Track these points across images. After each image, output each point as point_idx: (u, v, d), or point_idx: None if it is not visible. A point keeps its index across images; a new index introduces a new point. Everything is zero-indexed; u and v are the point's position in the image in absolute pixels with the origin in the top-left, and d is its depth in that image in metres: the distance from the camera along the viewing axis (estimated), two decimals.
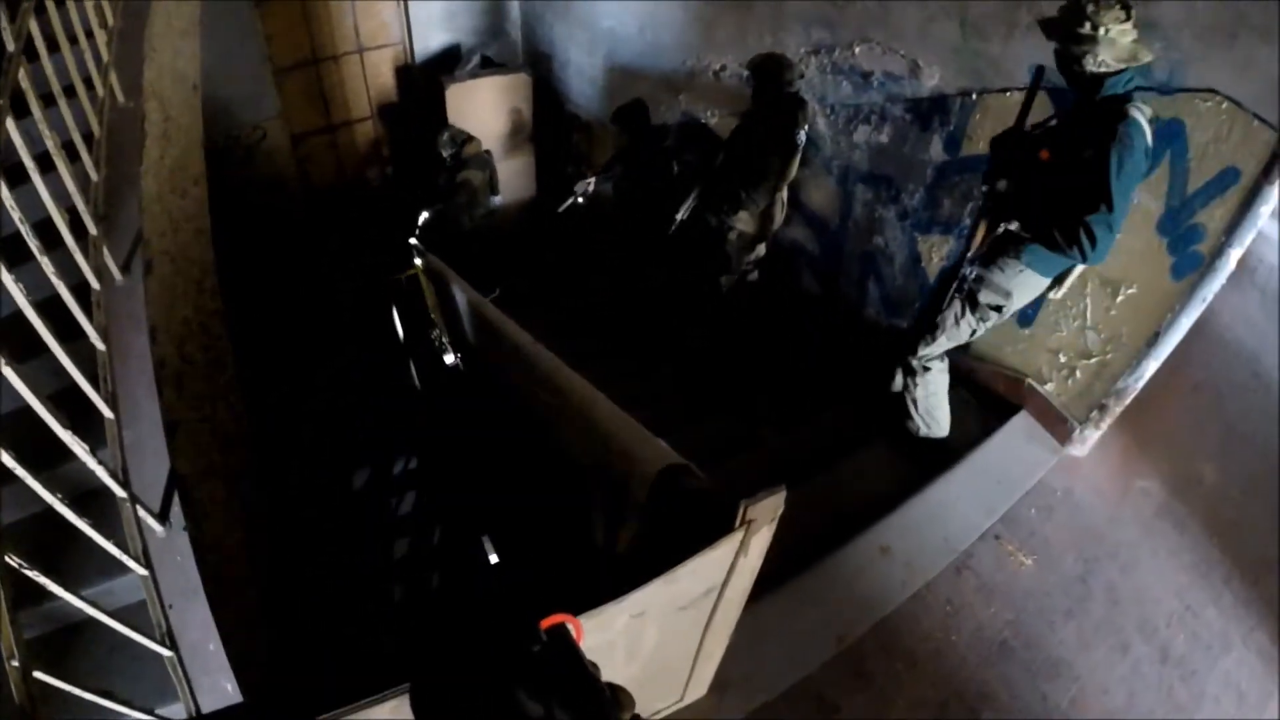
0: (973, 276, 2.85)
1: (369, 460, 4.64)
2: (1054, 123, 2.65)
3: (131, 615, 2.11)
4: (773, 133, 3.80)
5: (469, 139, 5.43)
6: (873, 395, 3.46)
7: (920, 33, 3.28)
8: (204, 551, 2.20)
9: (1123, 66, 2.36)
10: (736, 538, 1.45)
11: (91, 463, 1.89)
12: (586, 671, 0.67)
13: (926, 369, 3.15)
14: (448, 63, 6.18)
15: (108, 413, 2.09)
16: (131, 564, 1.96)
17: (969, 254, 2.88)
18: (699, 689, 2.35)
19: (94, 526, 2.09)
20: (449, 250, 4.52)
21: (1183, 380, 3.11)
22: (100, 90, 2.49)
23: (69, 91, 2.33)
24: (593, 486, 2.16)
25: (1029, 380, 3.28)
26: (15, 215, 1.83)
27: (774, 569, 2.63)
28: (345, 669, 2.90)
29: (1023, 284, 2.77)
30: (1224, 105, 2.44)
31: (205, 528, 2.30)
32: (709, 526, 1.45)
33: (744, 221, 4.07)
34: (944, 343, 3.06)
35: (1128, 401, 3.04)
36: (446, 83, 5.57)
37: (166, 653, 2.00)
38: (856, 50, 3.60)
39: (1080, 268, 2.70)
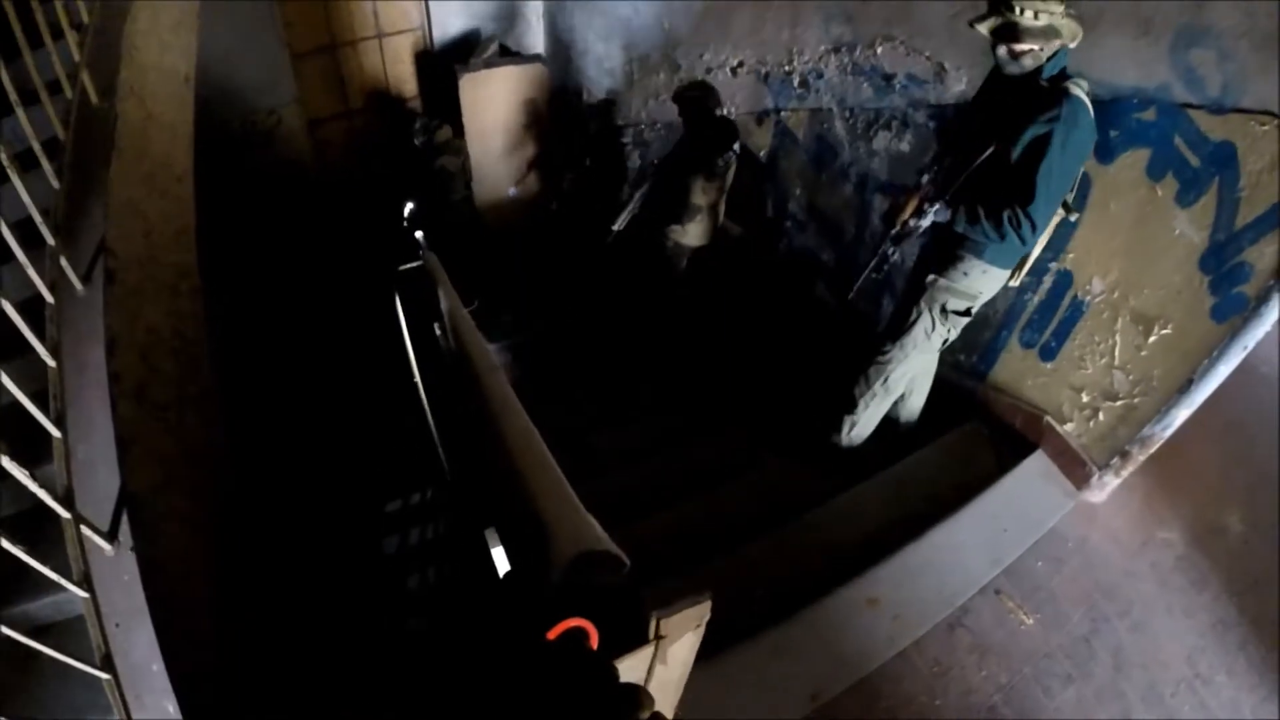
0: (935, 285, 2.80)
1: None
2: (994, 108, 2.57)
3: (84, 626, 2.12)
4: (697, 156, 4.00)
5: (440, 125, 5.47)
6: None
7: (947, 32, 3.01)
8: (154, 570, 2.17)
9: (1061, 46, 2.38)
10: (645, 653, 1.32)
11: (31, 485, 1.86)
12: (606, 672, 0.68)
13: (887, 390, 3.09)
14: (467, 49, 6.04)
15: (55, 432, 2.06)
16: (71, 588, 1.94)
17: (892, 232, 2.79)
18: None
19: (44, 539, 2.09)
20: (440, 245, 4.45)
21: (1213, 418, 2.82)
22: (69, 92, 2.43)
23: (32, 97, 2.28)
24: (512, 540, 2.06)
25: (1048, 418, 3.03)
26: None
27: (749, 616, 2.53)
28: (320, 689, 2.88)
29: (989, 280, 2.75)
30: None
31: (160, 544, 2.27)
32: (620, 632, 1.31)
33: (676, 233, 4.28)
34: (914, 357, 2.99)
35: (1153, 449, 2.79)
36: (460, 72, 5.44)
37: (104, 676, 1.98)
38: (879, 49, 3.34)
39: (1035, 253, 2.71)
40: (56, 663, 1.88)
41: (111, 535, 2.13)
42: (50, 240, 2.23)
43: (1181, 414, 2.67)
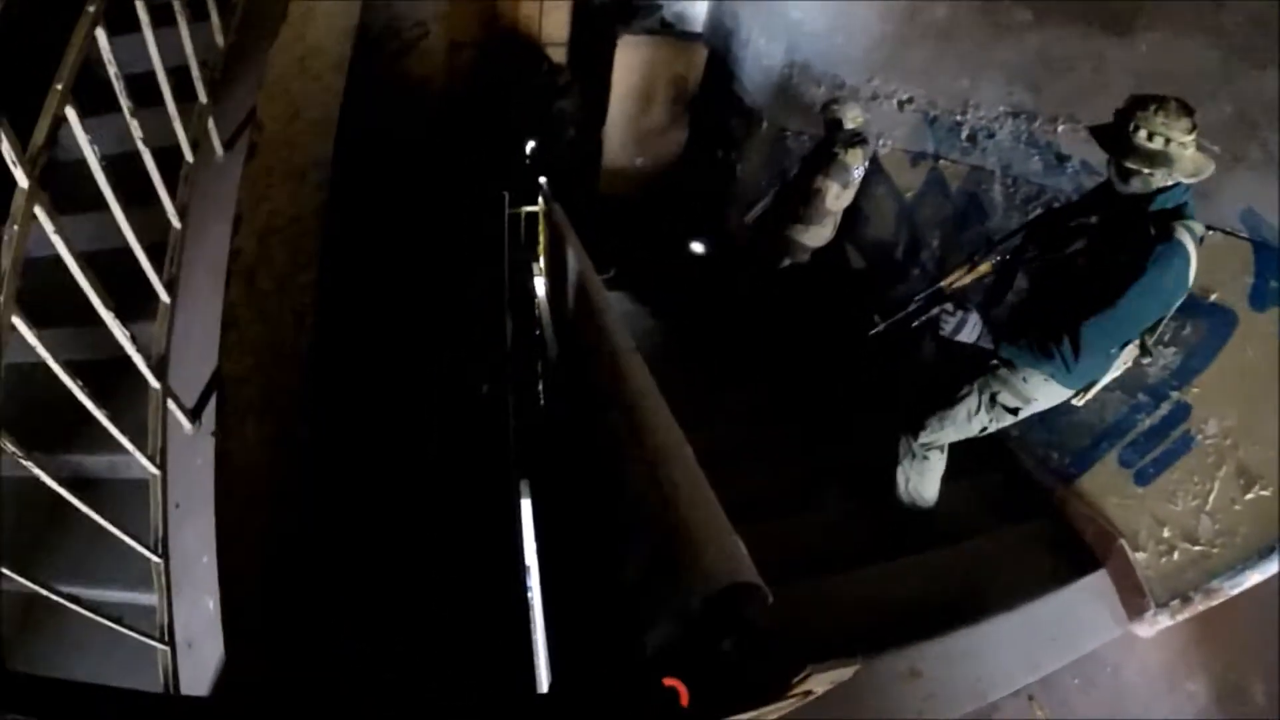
0: (995, 372, 2.67)
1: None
2: (1093, 220, 2.43)
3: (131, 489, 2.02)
4: (831, 161, 4.17)
5: (562, 68, 5.35)
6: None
7: None
8: (225, 460, 2.09)
9: (1180, 181, 2.19)
10: (788, 703, 1.25)
11: (129, 347, 1.77)
12: None
13: (925, 457, 2.95)
14: (628, 13, 5.90)
15: (165, 296, 1.96)
16: (145, 462, 1.85)
17: (941, 284, 2.72)
18: None
19: (121, 394, 2.00)
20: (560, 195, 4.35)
21: (1267, 582, 2.80)
22: None
23: None
24: (631, 553, 1.98)
25: (1122, 540, 2.97)
26: (111, 70, 1.69)
27: (785, 666, 2.47)
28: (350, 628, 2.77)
29: (1046, 392, 2.60)
30: None
31: (235, 436, 2.19)
32: (758, 676, 1.25)
33: (798, 231, 4.46)
34: (950, 434, 2.86)
35: (1215, 603, 2.74)
36: (620, 32, 5.31)
37: (155, 559, 1.90)
38: (1059, 128, 3.23)
39: (1104, 380, 2.54)
40: (87, 522, 1.76)
41: (195, 415, 2.04)
42: (203, 97, 2.12)
43: (1254, 577, 2.62)
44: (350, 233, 3.32)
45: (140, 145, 1.83)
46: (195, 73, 2.10)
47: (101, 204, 1.68)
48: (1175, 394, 2.80)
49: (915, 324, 2.73)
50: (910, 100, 4.28)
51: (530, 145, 5.39)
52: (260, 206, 2.34)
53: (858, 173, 4.18)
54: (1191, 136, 2.13)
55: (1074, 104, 3.18)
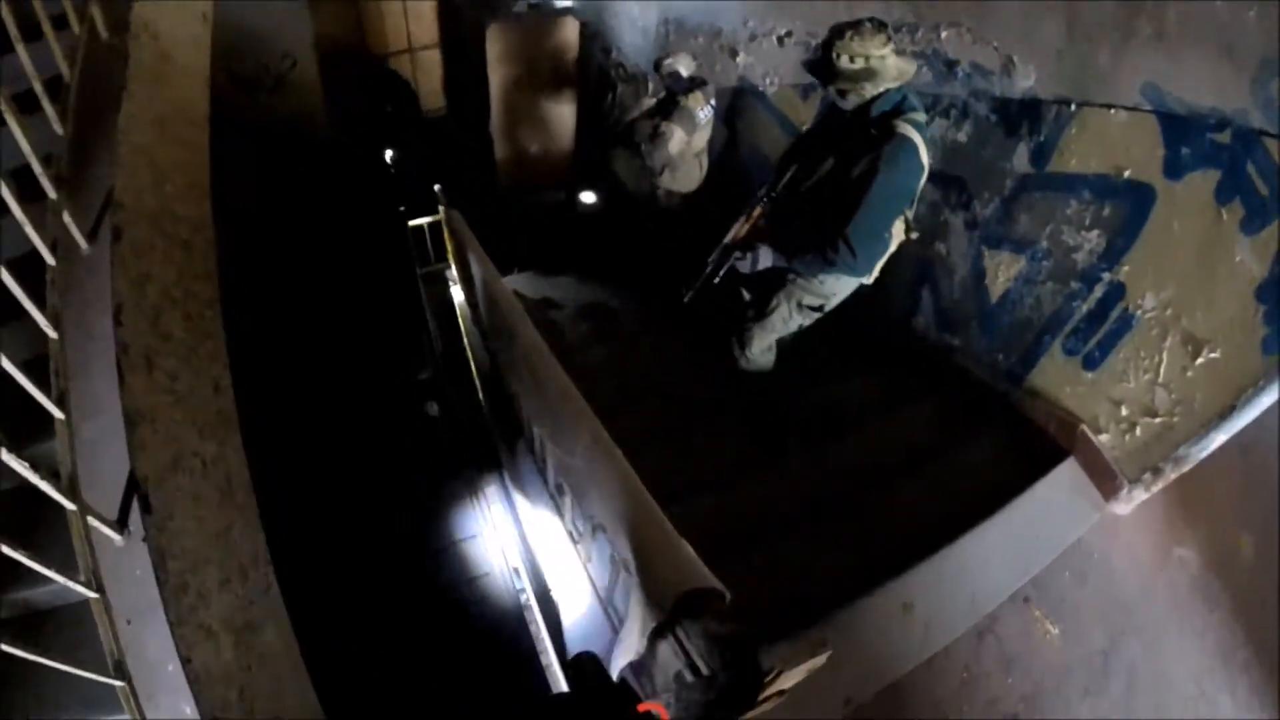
0: (794, 283, 2.98)
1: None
2: (832, 139, 2.73)
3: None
4: (671, 108, 4.37)
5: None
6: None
7: (1020, 25, 2.86)
8: (167, 559, 2.01)
9: (889, 87, 2.51)
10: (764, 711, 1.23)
11: (32, 477, 1.68)
12: None
13: (756, 358, 3.28)
14: (489, 3, 5.65)
15: (57, 413, 1.86)
16: (78, 588, 1.77)
17: (726, 240, 3.02)
18: None
19: (45, 521, 1.91)
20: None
21: (1234, 438, 2.85)
22: (76, 28, 2.15)
23: (35, 32, 2.02)
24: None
25: (1083, 426, 3.00)
26: None
27: (783, 615, 2.47)
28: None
29: (841, 286, 2.94)
30: None
31: (170, 528, 2.10)
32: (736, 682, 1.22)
33: (666, 181, 4.61)
34: (772, 337, 3.21)
35: (1185, 469, 2.78)
36: (488, 21, 5.11)
37: (117, 683, 1.83)
38: (943, 34, 3.16)
39: (890, 250, 2.81)
40: (64, 651, 1.72)
41: (121, 524, 1.96)
42: (52, 193, 1.98)
43: (1219, 438, 2.65)
44: (257, 285, 3.21)
45: None
46: (38, 169, 1.96)
47: None
48: (1107, 275, 2.80)
49: (717, 280, 3.06)
50: (789, 34, 4.19)
51: (390, 155, 5.23)
52: (145, 288, 2.21)
53: (703, 114, 4.35)
54: (888, 48, 2.46)
55: (954, 9, 3.12)
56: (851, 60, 2.45)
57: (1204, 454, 2.71)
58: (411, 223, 4.53)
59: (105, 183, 2.13)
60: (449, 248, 4.27)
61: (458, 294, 4.41)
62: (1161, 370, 2.71)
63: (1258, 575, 3.06)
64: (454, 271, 4.38)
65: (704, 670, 1.24)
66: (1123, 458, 2.91)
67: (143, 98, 2.36)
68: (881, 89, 2.50)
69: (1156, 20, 2.42)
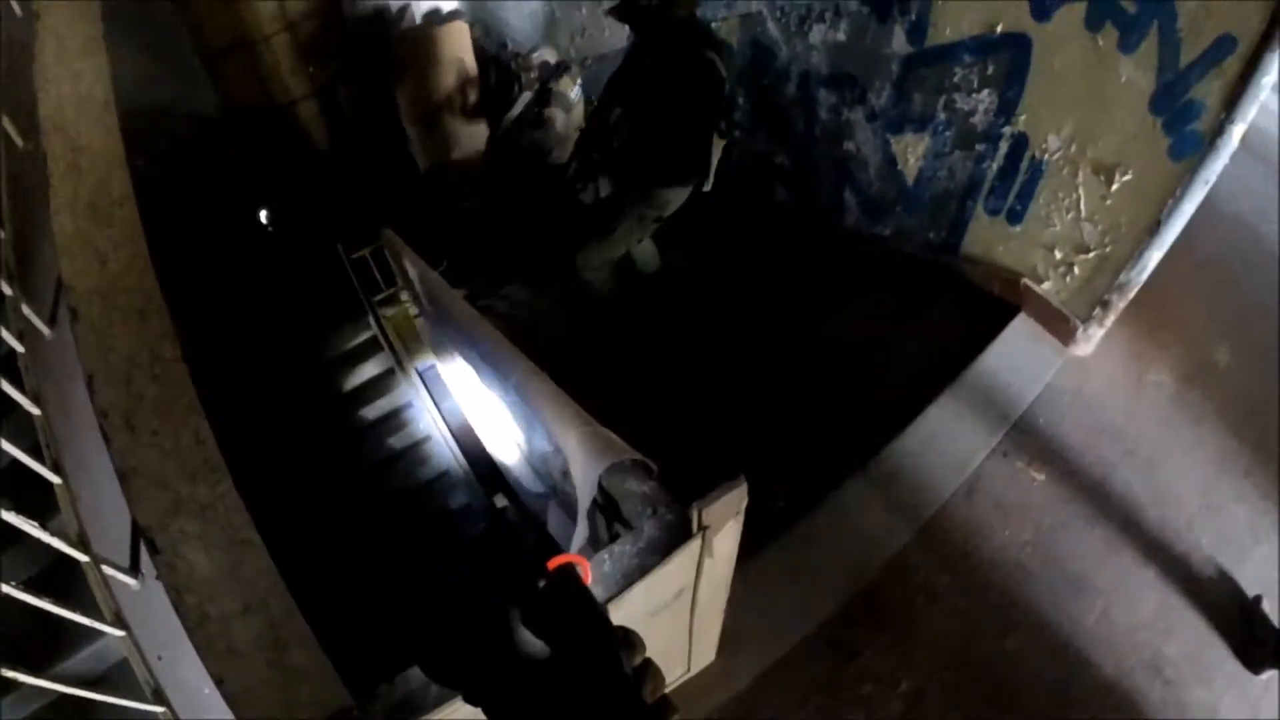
0: (637, 201, 3.43)
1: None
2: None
3: (125, 670, 2.12)
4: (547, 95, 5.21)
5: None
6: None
7: None
8: (183, 593, 2.17)
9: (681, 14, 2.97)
10: (693, 547, 1.34)
11: (44, 536, 1.84)
12: (594, 609, 0.64)
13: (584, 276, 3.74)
14: (384, 24, 5.80)
15: (54, 479, 2.03)
16: (107, 629, 1.94)
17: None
18: (705, 656, 2.29)
19: (70, 590, 2.08)
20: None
21: (1186, 260, 2.88)
22: None
23: None
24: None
25: (1025, 280, 3.08)
26: None
27: (772, 515, 2.58)
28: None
29: (675, 195, 3.37)
30: None
31: (179, 567, 2.26)
32: (663, 533, 1.34)
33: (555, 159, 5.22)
34: (617, 252, 3.69)
35: (1132, 295, 2.84)
36: (383, 43, 5.29)
37: (159, 709, 1.99)
38: None
39: (714, 161, 3.29)
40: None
41: (134, 569, 2.12)
42: (8, 290, 2.16)
43: (1155, 256, 2.71)
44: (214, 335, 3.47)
45: None
46: None
47: None
48: (1007, 129, 2.89)
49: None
50: None
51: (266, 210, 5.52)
52: (109, 358, 2.39)
53: (574, 94, 5.11)
54: None
55: None
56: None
57: (1144, 275, 2.78)
58: (354, 255, 4.73)
59: (52, 272, 2.31)
60: (395, 268, 4.43)
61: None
62: (1082, 205, 2.79)
63: (1239, 383, 3.11)
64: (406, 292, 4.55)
65: (631, 525, 1.36)
66: (1069, 299, 2.99)
67: (66, 190, 2.54)
68: (672, 15, 2.95)
69: None
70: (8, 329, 2.14)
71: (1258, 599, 2.51)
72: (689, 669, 2.27)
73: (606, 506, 1.47)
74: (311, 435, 4.61)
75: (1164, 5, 2.30)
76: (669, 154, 3.07)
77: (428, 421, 4.68)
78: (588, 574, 0.68)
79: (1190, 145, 2.40)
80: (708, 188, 3.36)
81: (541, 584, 0.65)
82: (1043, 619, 2.50)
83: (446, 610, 0.65)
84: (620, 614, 1.43)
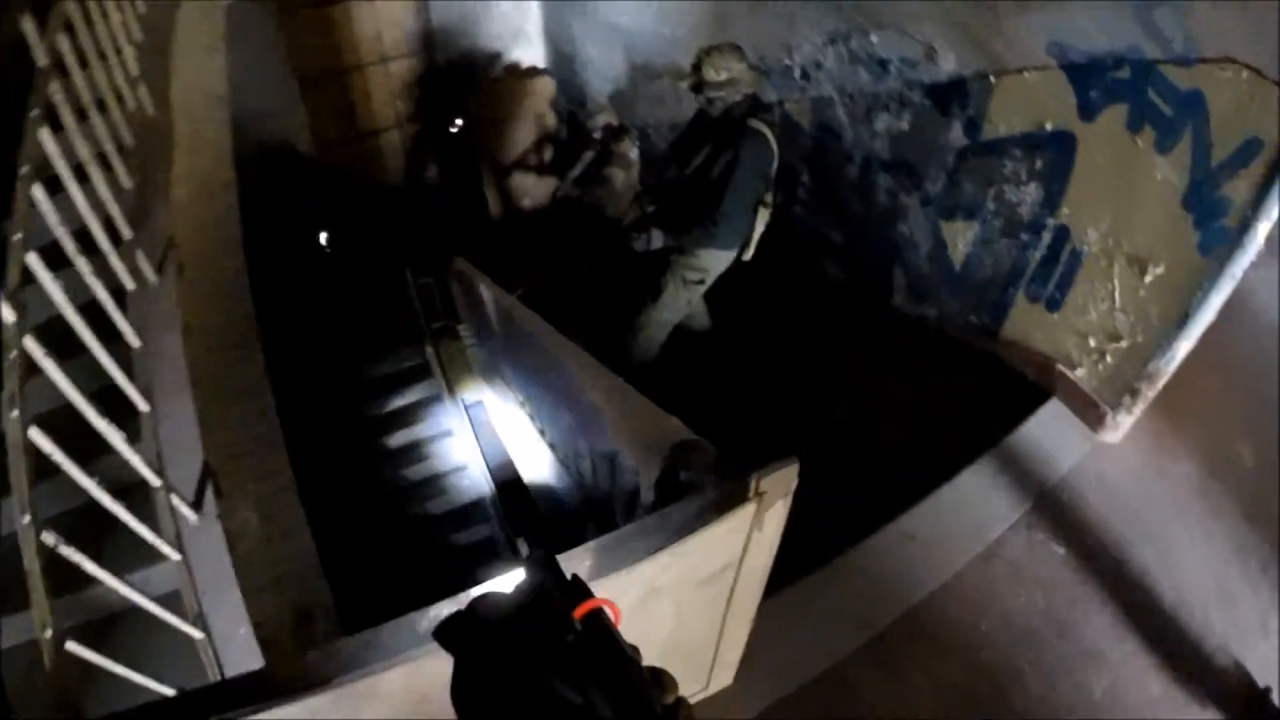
0: (676, 261, 3.62)
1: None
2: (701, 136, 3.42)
3: (163, 605, 2.20)
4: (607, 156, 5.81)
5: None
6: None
7: (934, 17, 3.26)
8: (234, 539, 2.28)
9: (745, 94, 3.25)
10: (749, 510, 1.45)
11: (127, 451, 1.97)
12: (625, 657, 0.63)
13: (649, 337, 3.86)
14: (473, 68, 6.25)
15: (143, 405, 2.17)
16: (166, 550, 2.04)
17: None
18: (724, 677, 2.33)
19: (127, 535, 2.18)
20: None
21: (1214, 357, 3.00)
22: (130, 103, 2.60)
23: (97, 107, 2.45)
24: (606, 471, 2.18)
25: (1059, 365, 3.21)
26: (52, 220, 1.93)
27: (797, 558, 2.64)
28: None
29: (714, 259, 3.55)
30: (1243, 74, 2.36)
31: (235, 517, 2.38)
32: (724, 496, 1.45)
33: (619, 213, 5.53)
34: (665, 315, 3.81)
35: (1160, 385, 2.96)
36: (469, 89, 5.70)
37: (199, 634, 2.06)
38: (874, 38, 3.59)
39: (759, 229, 3.46)
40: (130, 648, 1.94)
41: (197, 505, 2.24)
42: (127, 234, 2.37)
43: (1183, 346, 2.82)
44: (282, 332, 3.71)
45: (93, 280, 2.07)
46: (118, 214, 2.35)
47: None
48: (1051, 220, 3.08)
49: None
50: None
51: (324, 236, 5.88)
52: (204, 316, 2.58)
53: (633, 154, 5.69)
54: (743, 65, 3.22)
55: (876, 11, 3.53)
56: (717, 73, 3.17)
57: (1172, 365, 2.89)
58: (420, 282, 5.00)
59: (165, 228, 2.52)
60: (457, 296, 4.65)
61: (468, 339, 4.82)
62: (1116, 296, 2.94)
63: (1260, 482, 3.15)
64: (464, 321, 4.76)
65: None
66: (1100, 386, 3.10)
67: (184, 164, 2.80)
68: (739, 96, 3.23)
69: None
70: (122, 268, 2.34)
71: (1267, 690, 2.52)
72: (707, 686, 2.31)
73: (669, 477, 1.59)
74: (350, 448, 4.73)
75: (1198, 110, 2.51)
76: (702, 216, 3.30)
77: (465, 451, 4.79)
78: (617, 616, 0.68)
79: (1218, 240, 2.55)
80: (748, 257, 3.56)
81: (570, 638, 0.64)
82: (1050, 686, 2.52)
83: (479, 678, 0.63)
84: (671, 574, 1.53)
